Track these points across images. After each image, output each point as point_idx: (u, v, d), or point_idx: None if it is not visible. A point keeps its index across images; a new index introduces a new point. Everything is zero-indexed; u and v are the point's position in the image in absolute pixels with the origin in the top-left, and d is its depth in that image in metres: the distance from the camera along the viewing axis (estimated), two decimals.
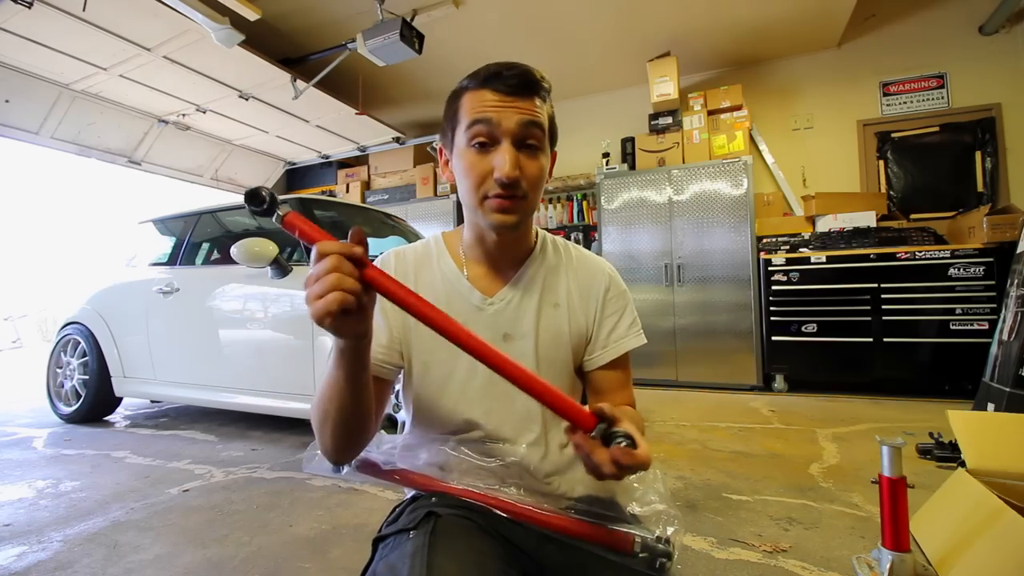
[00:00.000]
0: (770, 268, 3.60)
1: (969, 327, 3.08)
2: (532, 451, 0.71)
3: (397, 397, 2.05)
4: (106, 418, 3.23)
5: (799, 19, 3.69)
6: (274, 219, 0.52)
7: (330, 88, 3.98)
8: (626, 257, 4.08)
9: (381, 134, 4.95)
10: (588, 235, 4.67)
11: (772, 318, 3.59)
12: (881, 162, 4.00)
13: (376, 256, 0.80)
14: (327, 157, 5.51)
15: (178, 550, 1.46)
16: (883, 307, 3.29)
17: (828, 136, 4.14)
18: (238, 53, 3.22)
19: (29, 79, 3.42)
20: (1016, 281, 2.26)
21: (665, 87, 3.97)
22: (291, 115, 4.34)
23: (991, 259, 3.05)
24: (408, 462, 0.67)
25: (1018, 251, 2.36)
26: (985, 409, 2.15)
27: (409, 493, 0.72)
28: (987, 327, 3.01)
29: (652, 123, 4.17)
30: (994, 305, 2.99)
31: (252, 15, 2.92)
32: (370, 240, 3.33)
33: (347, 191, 5.59)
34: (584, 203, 4.72)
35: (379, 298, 0.73)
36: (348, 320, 0.48)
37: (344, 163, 5.81)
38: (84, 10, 2.76)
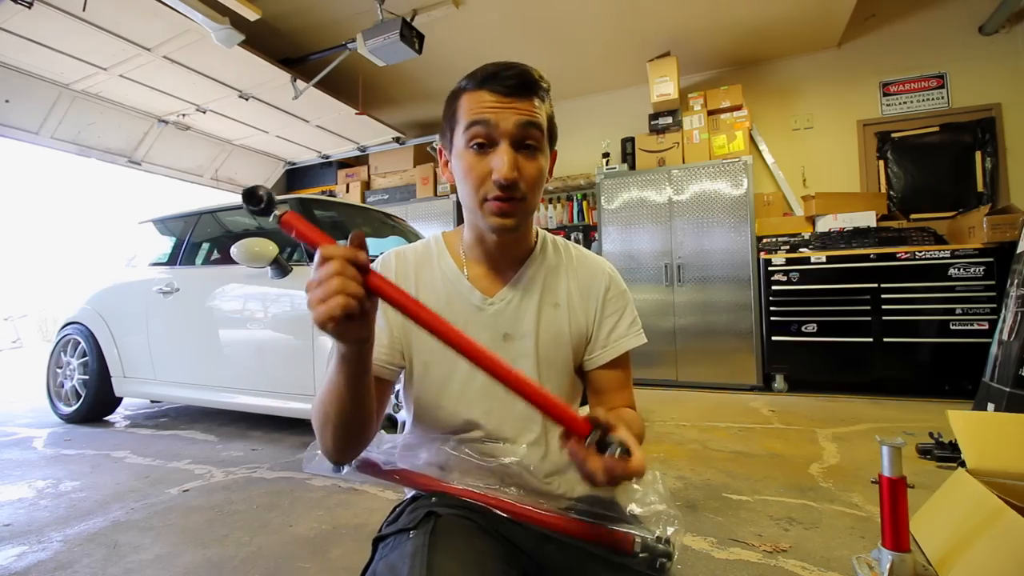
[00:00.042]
0: (770, 268, 3.60)
1: (969, 327, 3.08)
2: (532, 451, 0.71)
3: (397, 397, 2.05)
4: (106, 418, 3.23)
5: (799, 19, 3.69)
6: (271, 219, 0.51)
7: (330, 88, 3.98)
8: (626, 257, 4.08)
9: (381, 134, 4.95)
10: (588, 235, 4.67)
11: (772, 318, 3.59)
12: (881, 162, 4.00)
13: (377, 256, 0.80)
14: (327, 157, 5.51)
15: (178, 550, 1.46)
16: (883, 307, 3.29)
17: (828, 136, 4.14)
18: (238, 53, 3.23)
19: (29, 79, 3.42)
20: (1016, 281, 2.26)
21: (665, 87, 3.97)
22: (291, 115, 4.34)
23: (991, 259, 3.05)
24: (408, 462, 0.67)
25: (1018, 251, 2.36)
26: (985, 409, 2.15)
27: (409, 493, 0.72)
28: (987, 327, 3.01)
29: (652, 123, 4.17)
30: (994, 305, 2.99)
31: (252, 15, 2.92)
32: (370, 240, 3.33)
33: (347, 191, 5.59)
34: (584, 203, 4.72)
35: None
36: (351, 325, 0.47)
37: (344, 163, 5.81)
38: (84, 10, 2.76)
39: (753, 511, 1.63)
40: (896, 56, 3.93)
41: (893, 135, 3.97)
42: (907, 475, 1.19)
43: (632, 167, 4.19)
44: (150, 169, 4.60)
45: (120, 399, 3.19)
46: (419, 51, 3.39)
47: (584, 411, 0.82)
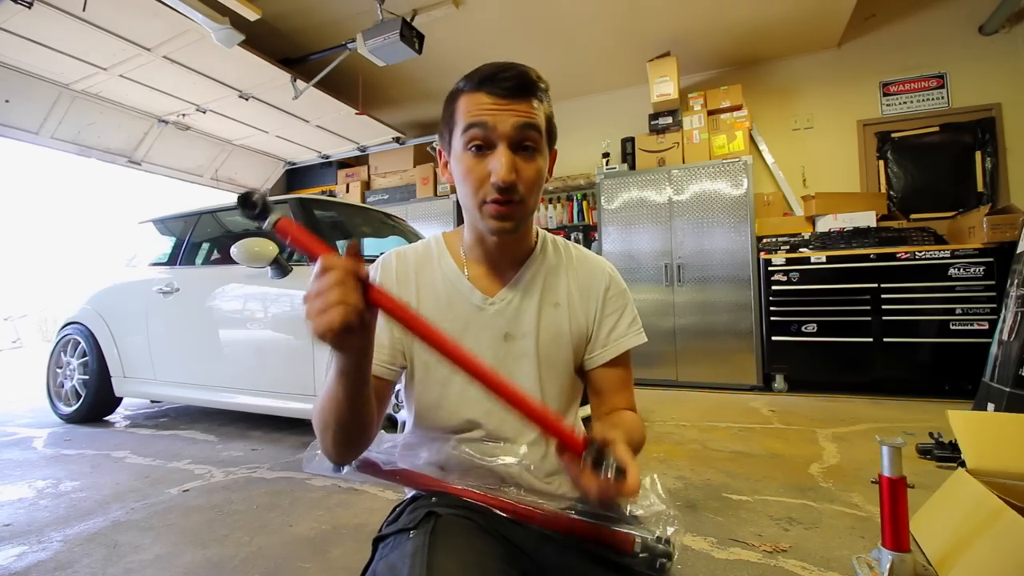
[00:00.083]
0: (770, 268, 3.60)
1: (969, 327, 3.08)
2: (532, 451, 0.71)
3: (397, 397, 2.05)
4: (106, 418, 3.23)
5: (799, 19, 3.69)
6: (266, 225, 0.50)
7: (330, 88, 3.98)
8: (626, 257, 4.08)
9: (381, 134, 4.95)
10: (588, 235, 4.67)
11: (772, 318, 3.59)
12: (881, 162, 4.00)
13: (378, 255, 0.80)
14: (327, 157, 5.51)
15: (178, 550, 1.46)
16: (883, 307, 3.29)
17: (828, 136, 4.14)
18: (238, 53, 3.22)
19: (29, 79, 3.42)
20: (1016, 281, 2.26)
21: (665, 87, 3.97)
22: (291, 115, 4.34)
23: (991, 259, 3.05)
24: (408, 461, 0.67)
25: (1018, 251, 2.36)
26: (985, 409, 2.15)
27: (409, 493, 0.72)
28: (987, 327, 3.01)
29: (652, 123, 4.17)
30: (994, 305, 2.99)
31: (252, 15, 2.92)
32: (370, 240, 3.33)
33: (347, 191, 5.59)
34: (584, 203, 4.72)
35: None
36: (350, 337, 0.47)
37: (344, 163, 5.81)
38: (84, 10, 2.76)
39: (753, 511, 1.63)
40: (896, 56, 3.93)
41: (893, 135, 3.97)
42: (907, 475, 1.19)
43: (632, 167, 4.19)
44: (150, 169, 4.60)
45: (120, 399, 3.19)
46: (419, 51, 3.39)
47: (584, 411, 0.83)
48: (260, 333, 2.54)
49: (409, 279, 0.75)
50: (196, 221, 3.01)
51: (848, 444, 2.32)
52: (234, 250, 2.17)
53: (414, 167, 5.31)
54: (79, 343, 3.18)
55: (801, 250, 3.57)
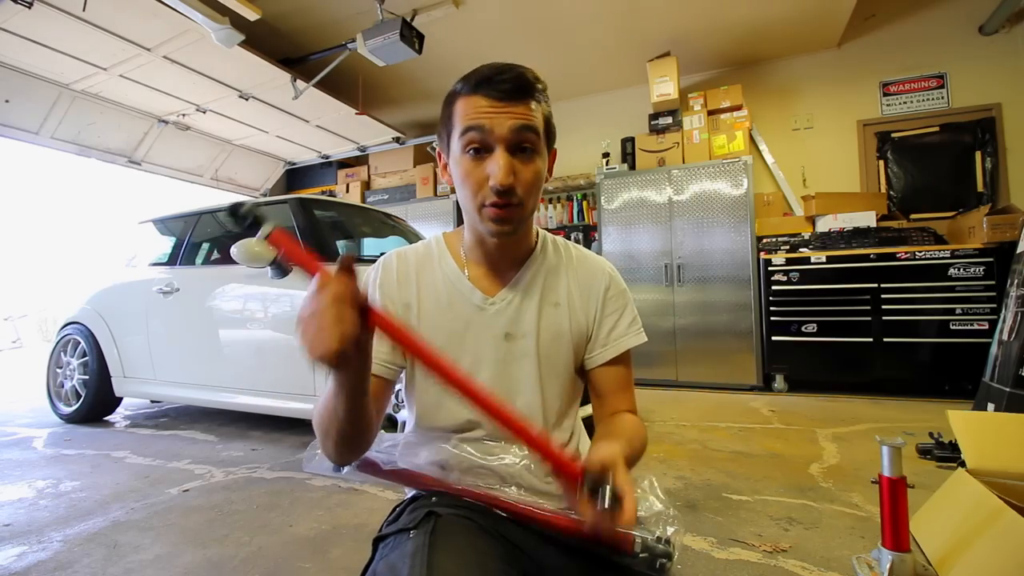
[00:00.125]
0: (770, 268, 3.60)
1: (969, 327, 3.08)
2: (532, 454, 0.71)
3: (398, 397, 2.05)
4: (106, 418, 3.23)
5: (799, 19, 3.69)
6: (257, 237, 0.48)
7: (330, 88, 3.98)
8: (626, 257, 4.08)
9: (381, 134, 4.95)
10: (588, 235, 4.67)
11: (772, 318, 3.59)
12: (881, 162, 4.00)
13: (378, 256, 0.80)
14: (327, 157, 5.51)
15: (178, 550, 1.46)
16: (883, 307, 3.29)
17: (828, 136, 4.14)
18: (238, 53, 3.22)
19: (29, 79, 3.42)
20: (1016, 281, 2.26)
21: (665, 87, 3.97)
22: (291, 115, 4.34)
23: (991, 259, 3.05)
24: (409, 460, 0.67)
25: (1018, 251, 2.36)
26: (985, 409, 2.15)
27: (409, 493, 0.72)
28: (987, 327, 3.01)
29: (652, 123, 4.17)
30: (994, 305, 2.99)
31: (252, 15, 2.92)
32: (370, 240, 3.33)
33: (347, 191, 5.60)
34: (584, 203, 4.72)
35: (381, 296, 0.74)
36: (347, 359, 0.46)
37: (344, 163, 5.81)
38: (84, 10, 2.76)
39: (753, 511, 1.63)
40: (896, 56, 3.93)
41: (893, 135, 3.97)
42: (907, 475, 1.19)
43: (632, 167, 4.19)
44: (150, 169, 4.60)
45: (120, 399, 3.19)
46: (419, 51, 3.39)
47: (585, 410, 0.82)
48: (260, 333, 2.54)
49: (410, 279, 0.75)
50: (196, 221, 3.01)
51: (848, 444, 2.32)
52: (234, 250, 2.16)
53: (414, 167, 5.31)
54: (79, 343, 3.18)
55: (801, 250, 3.57)
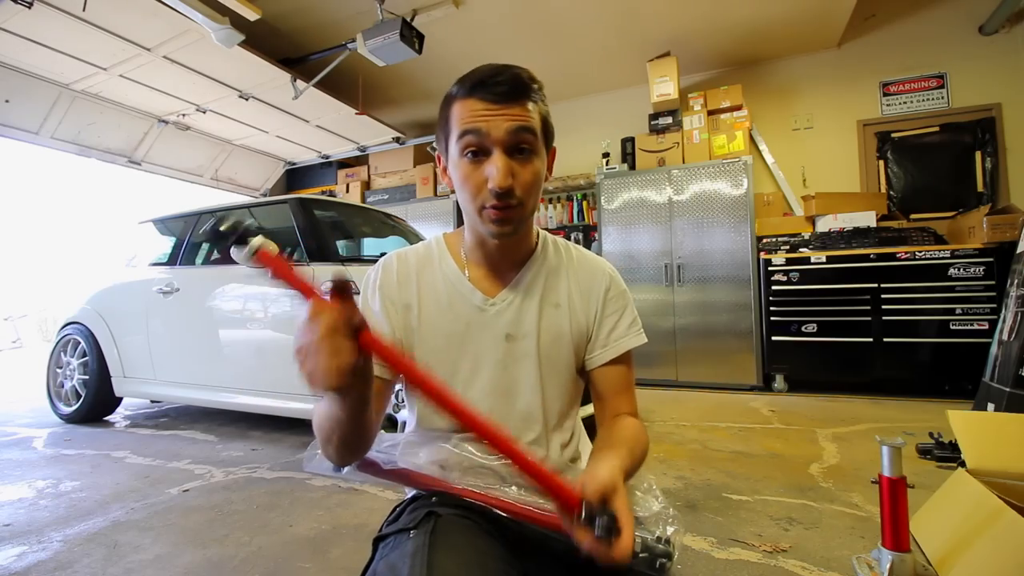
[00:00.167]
0: (770, 268, 3.60)
1: (969, 327, 3.08)
2: (532, 450, 0.71)
3: (397, 397, 2.05)
4: (106, 418, 3.23)
5: (799, 19, 3.69)
6: (244, 255, 0.45)
7: (330, 88, 3.98)
8: (626, 257, 4.08)
9: (381, 134, 4.95)
10: (588, 235, 4.67)
11: (772, 318, 3.59)
12: (881, 162, 4.00)
13: (378, 256, 0.80)
14: (327, 157, 5.51)
15: (178, 550, 1.46)
16: (883, 307, 3.29)
17: (828, 136, 4.14)
18: (238, 53, 3.22)
19: (29, 79, 3.42)
20: (1016, 281, 2.26)
21: (665, 87, 3.97)
22: (291, 115, 4.34)
23: (991, 259, 3.05)
24: (409, 460, 0.67)
25: (1018, 251, 2.36)
26: (985, 409, 2.15)
27: (409, 493, 0.72)
28: (987, 327, 3.00)
29: (652, 123, 4.17)
30: (994, 305, 2.99)
31: (252, 15, 2.92)
32: (370, 240, 3.33)
33: (347, 191, 5.60)
34: (584, 203, 4.72)
35: (381, 297, 0.74)
36: (347, 387, 0.45)
37: (344, 163, 5.81)
38: (84, 10, 2.76)
39: (753, 511, 1.63)
40: (896, 56, 3.93)
41: (893, 135, 3.97)
42: (907, 475, 1.19)
43: (632, 167, 4.19)
44: (150, 169, 4.60)
45: (120, 399, 3.20)
46: (419, 51, 3.39)
47: (586, 410, 0.82)
48: (260, 333, 2.54)
49: (410, 280, 0.75)
50: (196, 221, 3.01)
51: (848, 444, 2.32)
52: (234, 250, 2.17)
53: (414, 167, 5.31)
54: (79, 343, 3.18)
55: (801, 250, 3.57)
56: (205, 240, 2.85)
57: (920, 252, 3.22)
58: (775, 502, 1.70)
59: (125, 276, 3.18)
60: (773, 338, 3.59)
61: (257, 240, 0.46)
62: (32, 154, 6.70)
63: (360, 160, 5.71)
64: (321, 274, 2.37)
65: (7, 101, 3.44)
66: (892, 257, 3.28)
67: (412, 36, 3.30)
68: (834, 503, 1.68)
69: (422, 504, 0.65)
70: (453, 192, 0.73)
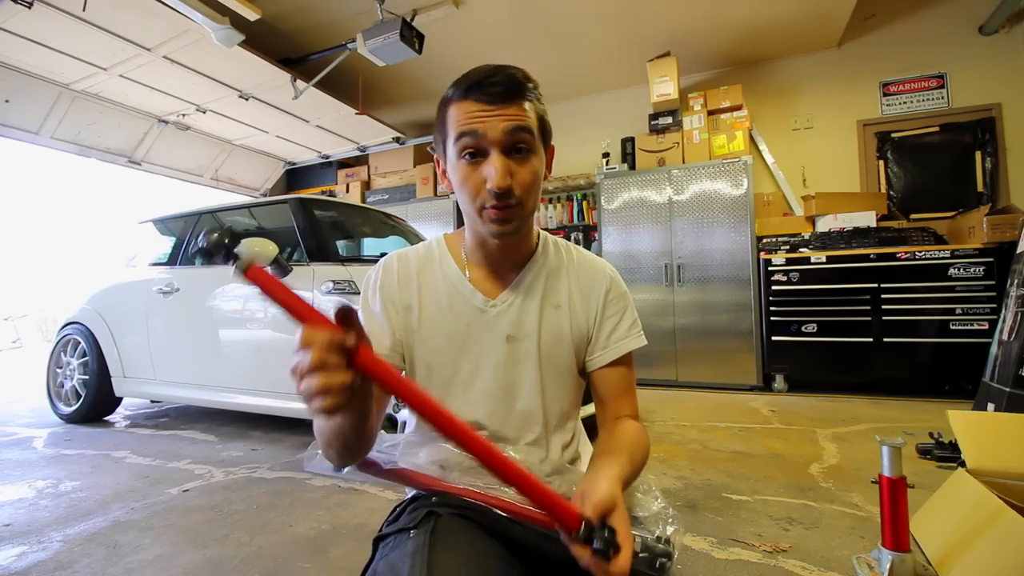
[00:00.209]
0: (770, 268, 3.60)
1: (969, 327, 3.08)
2: (532, 451, 0.71)
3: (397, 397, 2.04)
4: (106, 418, 3.23)
5: (799, 19, 3.69)
6: (234, 271, 0.43)
7: (330, 88, 3.98)
8: (626, 257, 4.08)
9: (381, 134, 4.95)
10: (588, 235, 4.67)
11: (772, 318, 3.59)
12: (881, 162, 4.00)
13: (378, 256, 0.80)
14: (327, 157, 5.51)
15: (178, 550, 1.46)
16: (883, 307, 3.29)
17: (828, 136, 4.14)
18: (238, 53, 3.23)
19: (29, 79, 3.42)
20: (1016, 281, 2.26)
21: (665, 87, 3.97)
22: (291, 115, 4.34)
23: (991, 259, 3.05)
24: (409, 460, 0.67)
25: (1018, 251, 2.36)
26: (985, 409, 2.15)
27: (410, 493, 0.72)
28: (987, 327, 3.00)
29: (652, 123, 4.17)
30: (994, 305, 2.99)
31: (252, 15, 2.92)
32: (370, 240, 3.33)
33: (347, 191, 5.60)
34: (584, 203, 4.72)
35: (382, 298, 0.74)
36: (345, 408, 0.44)
37: (344, 163, 5.81)
38: (84, 10, 2.76)
39: (753, 511, 1.63)
40: (896, 56, 3.93)
41: (893, 135, 3.97)
42: (907, 475, 1.19)
43: (632, 167, 4.19)
44: (150, 169, 4.60)
45: (120, 399, 3.19)
46: (419, 51, 3.39)
47: (586, 410, 0.82)
48: (260, 333, 2.54)
49: (411, 281, 0.75)
50: (196, 221, 3.01)
51: (848, 444, 2.32)
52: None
53: (414, 167, 5.31)
54: (79, 343, 3.18)
55: (801, 250, 3.57)
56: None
57: (920, 252, 3.22)
58: (775, 502, 1.70)
59: (125, 276, 3.18)
60: (773, 338, 3.59)
61: (247, 254, 0.44)
62: (32, 154, 6.70)
63: (360, 160, 5.71)
64: (321, 274, 2.37)
65: (7, 101, 3.45)
66: (892, 257, 3.28)
67: (412, 36, 3.30)
68: (834, 503, 1.68)
69: (422, 504, 0.65)
70: (453, 193, 0.72)
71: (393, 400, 2.18)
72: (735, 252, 3.74)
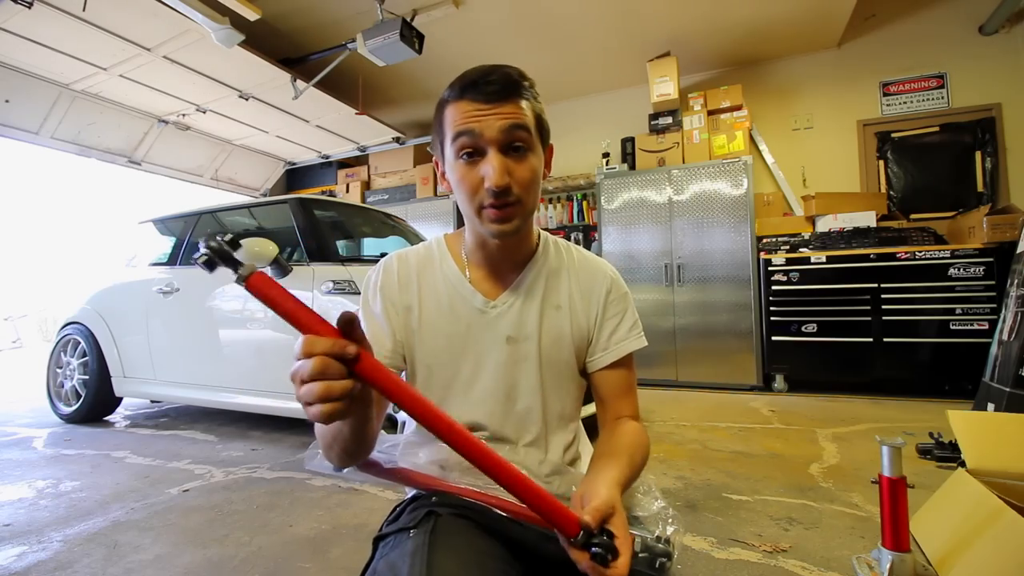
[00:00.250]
0: (770, 268, 3.60)
1: (969, 327, 3.08)
2: (532, 452, 0.71)
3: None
4: (106, 418, 3.23)
5: (799, 19, 3.69)
6: (236, 279, 0.42)
7: (330, 88, 3.98)
8: (626, 257, 4.08)
9: (381, 134, 4.95)
10: (588, 235, 4.67)
11: (772, 318, 3.59)
12: (881, 162, 4.00)
13: (378, 256, 0.80)
14: (327, 157, 5.51)
15: (178, 550, 1.46)
16: (883, 307, 3.29)
17: (828, 136, 4.14)
18: (238, 53, 3.23)
19: (29, 79, 3.42)
20: (1016, 281, 2.26)
21: (665, 87, 3.97)
22: (291, 115, 4.34)
23: (991, 259, 3.05)
24: (409, 460, 0.67)
25: (1018, 251, 2.36)
26: (985, 409, 2.15)
27: (410, 492, 0.72)
28: (987, 327, 3.00)
29: (652, 123, 4.17)
30: (994, 305, 2.99)
31: (252, 15, 2.92)
32: (370, 240, 3.33)
33: (347, 191, 5.60)
34: (584, 203, 4.72)
35: (382, 298, 0.74)
36: (345, 415, 0.44)
37: (344, 163, 5.81)
38: (84, 10, 2.76)
39: (753, 511, 1.63)
40: (896, 56, 3.93)
41: (893, 135, 3.97)
42: (907, 475, 1.19)
43: (632, 167, 4.19)
44: (150, 169, 4.60)
45: (120, 399, 3.19)
46: (419, 51, 3.39)
47: (587, 410, 0.82)
48: (260, 333, 2.54)
49: (411, 281, 0.75)
50: (196, 221, 3.01)
51: (848, 444, 2.32)
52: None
53: (414, 167, 5.31)
54: (79, 343, 3.18)
55: (801, 250, 3.57)
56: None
57: (920, 252, 3.22)
58: (775, 502, 1.70)
59: (125, 276, 3.18)
60: (773, 338, 3.59)
61: (247, 262, 0.43)
62: (32, 154, 6.70)
63: (360, 160, 5.71)
64: (321, 274, 2.37)
65: (7, 101, 3.45)
66: (892, 257, 3.28)
67: (412, 36, 3.30)
68: (834, 503, 1.68)
69: (422, 504, 0.65)
70: (452, 194, 0.72)
71: None
72: (735, 252, 3.74)
